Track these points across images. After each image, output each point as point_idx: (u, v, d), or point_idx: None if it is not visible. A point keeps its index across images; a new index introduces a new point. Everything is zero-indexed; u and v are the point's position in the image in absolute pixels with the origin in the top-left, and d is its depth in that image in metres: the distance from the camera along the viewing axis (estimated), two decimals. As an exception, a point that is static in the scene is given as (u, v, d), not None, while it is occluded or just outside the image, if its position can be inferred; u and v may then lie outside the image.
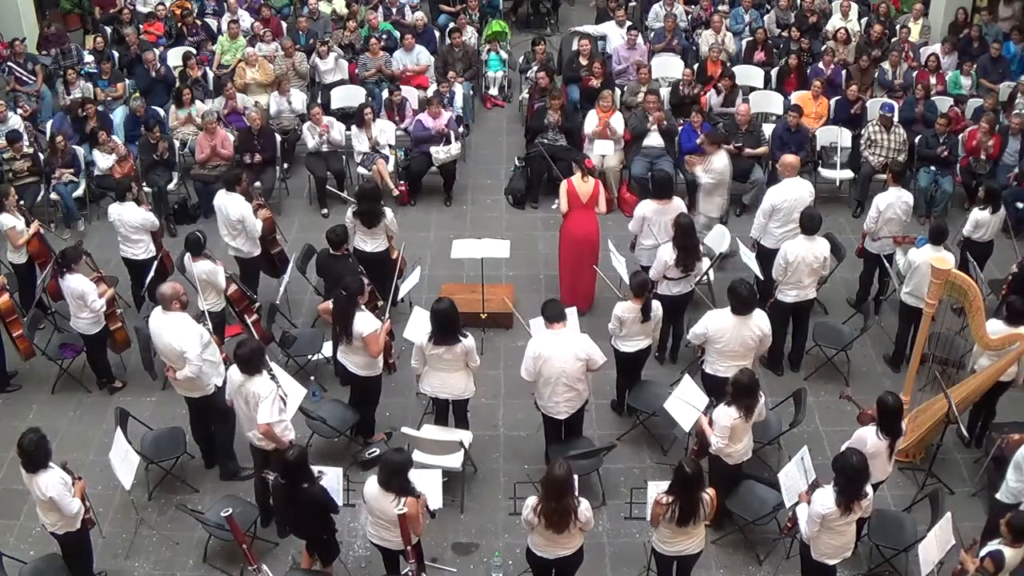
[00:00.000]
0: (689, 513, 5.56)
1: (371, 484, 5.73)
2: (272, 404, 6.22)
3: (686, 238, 7.74)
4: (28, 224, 8.50)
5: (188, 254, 7.83)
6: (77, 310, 7.67)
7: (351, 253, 8.25)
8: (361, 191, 8.56)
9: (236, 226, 8.41)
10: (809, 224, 7.72)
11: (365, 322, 6.94)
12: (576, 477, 6.01)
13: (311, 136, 10.38)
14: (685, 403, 6.86)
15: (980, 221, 8.47)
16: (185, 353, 6.68)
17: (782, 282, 7.78)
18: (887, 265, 8.48)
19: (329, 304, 7.20)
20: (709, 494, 5.64)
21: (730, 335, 6.88)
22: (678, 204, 8.41)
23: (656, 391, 7.46)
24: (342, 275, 7.58)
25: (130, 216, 8.38)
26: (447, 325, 6.75)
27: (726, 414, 6.26)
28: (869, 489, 5.65)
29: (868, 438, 6.10)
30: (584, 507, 5.57)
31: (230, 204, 8.38)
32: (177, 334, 6.74)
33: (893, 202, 8.28)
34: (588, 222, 8.64)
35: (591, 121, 10.33)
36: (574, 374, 6.74)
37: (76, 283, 7.56)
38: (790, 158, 8.64)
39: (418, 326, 7.50)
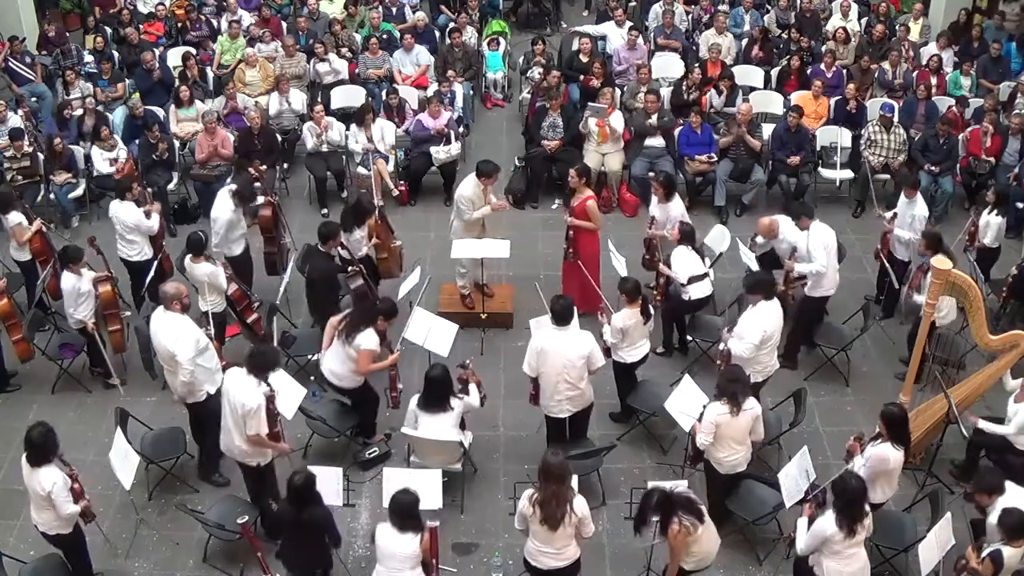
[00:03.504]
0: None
1: (385, 532, 5.60)
2: (262, 416, 6.20)
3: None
4: (30, 222, 8.53)
5: (189, 255, 7.83)
6: (67, 307, 7.76)
7: (338, 254, 8.13)
8: (355, 201, 8.54)
9: (217, 229, 8.39)
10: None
11: (369, 338, 6.93)
12: (576, 477, 6.03)
13: (310, 136, 10.38)
14: (685, 403, 6.86)
15: (992, 224, 8.50)
16: (176, 356, 6.66)
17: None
18: (887, 266, 8.49)
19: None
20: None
21: (776, 324, 7.02)
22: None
23: (656, 391, 7.45)
24: (317, 270, 7.65)
25: (125, 215, 8.40)
26: (434, 392, 6.68)
27: (713, 409, 6.27)
28: (868, 509, 5.60)
29: (889, 455, 6.04)
30: (580, 502, 5.55)
31: (219, 204, 8.39)
32: (171, 336, 6.71)
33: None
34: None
35: (591, 120, 10.31)
36: (576, 372, 6.73)
37: (66, 282, 7.65)
38: (767, 221, 8.22)
39: (418, 326, 7.52)
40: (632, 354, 7.31)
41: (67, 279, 7.66)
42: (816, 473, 6.43)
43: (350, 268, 8.14)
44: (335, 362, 7.09)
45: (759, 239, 8.34)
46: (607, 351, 7.27)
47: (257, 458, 6.39)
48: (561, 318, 6.75)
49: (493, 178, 8.52)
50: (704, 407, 6.51)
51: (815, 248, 7.80)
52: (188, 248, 7.84)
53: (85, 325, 7.77)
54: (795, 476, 6.29)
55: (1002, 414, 6.91)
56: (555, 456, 5.50)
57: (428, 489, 6.24)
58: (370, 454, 7.34)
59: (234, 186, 8.44)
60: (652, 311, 7.36)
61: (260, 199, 8.79)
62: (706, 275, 8.07)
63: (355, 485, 6.91)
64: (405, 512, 5.57)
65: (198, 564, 6.65)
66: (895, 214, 8.50)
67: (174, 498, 7.01)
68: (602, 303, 7.53)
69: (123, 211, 8.41)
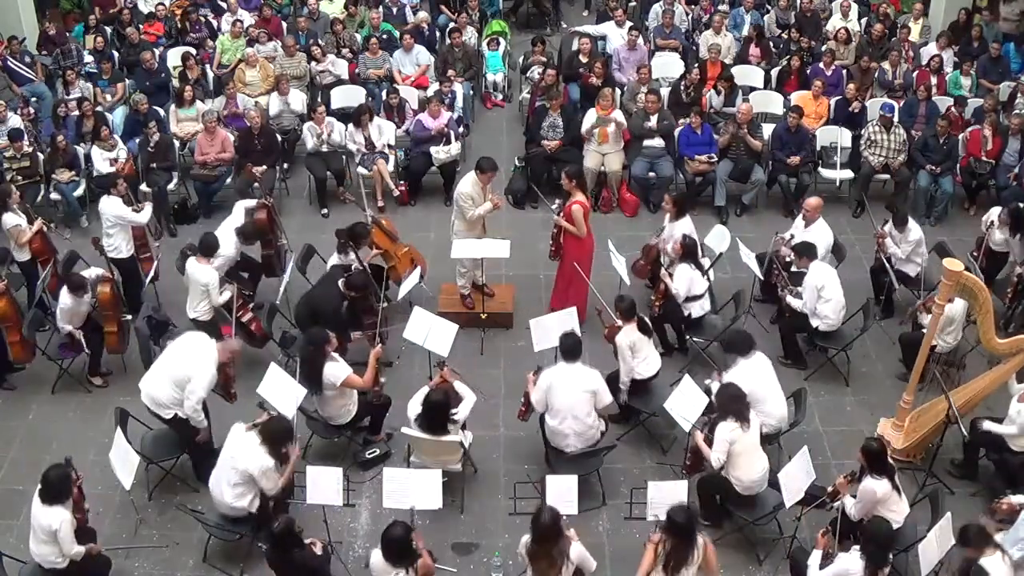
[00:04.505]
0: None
1: (380, 563, 5.54)
2: (276, 474, 6.25)
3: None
4: (31, 222, 8.56)
5: (195, 256, 7.84)
6: (59, 321, 7.87)
7: (352, 303, 7.97)
8: (349, 227, 8.45)
9: (219, 264, 8.31)
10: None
11: (337, 369, 6.89)
12: (576, 477, 6.03)
13: (310, 136, 10.38)
14: (685, 403, 6.86)
15: (1014, 246, 8.53)
16: (189, 383, 6.64)
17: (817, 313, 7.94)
18: (887, 266, 8.48)
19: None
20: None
21: (756, 382, 6.80)
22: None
23: (656, 391, 7.45)
24: (327, 310, 7.61)
25: (110, 209, 8.50)
26: (434, 418, 6.67)
27: (724, 428, 6.27)
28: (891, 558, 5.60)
29: (873, 487, 6.03)
30: (576, 549, 5.54)
31: (224, 239, 8.33)
32: (194, 365, 6.70)
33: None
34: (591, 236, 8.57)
35: (591, 118, 10.28)
36: (582, 406, 6.72)
37: (63, 300, 7.76)
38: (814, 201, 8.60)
39: (418, 326, 7.51)
40: (648, 368, 7.29)
41: (64, 297, 7.73)
42: (816, 473, 6.44)
43: (353, 267, 8.14)
44: (324, 408, 7.10)
45: (785, 234, 8.49)
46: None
47: (245, 511, 6.34)
48: (570, 354, 6.78)
49: (492, 174, 8.49)
50: (709, 425, 6.50)
51: (807, 287, 7.92)
52: (200, 248, 7.85)
53: (72, 334, 7.85)
54: (795, 476, 6.29)
55: (1003, 415, 6.92)
56: (547, 514, 5.48)
57: (428, 489, 6.24)
58: (370, 454, 7.34)
59: (239, 223, 8.43)
60: (651, 326, 7.39)
61: (253, 202, 8.81)
62: (706, 292, 8.06)
63: (355, 485, 6.91)
64: (396, 549, 5.48)
65: (198, 564, 6.64)
66: (886, 221, 8.52)
67: (174, 498, 7.01)
68: (601, 308, 7.51)
69: (109, 205, 8.52)
